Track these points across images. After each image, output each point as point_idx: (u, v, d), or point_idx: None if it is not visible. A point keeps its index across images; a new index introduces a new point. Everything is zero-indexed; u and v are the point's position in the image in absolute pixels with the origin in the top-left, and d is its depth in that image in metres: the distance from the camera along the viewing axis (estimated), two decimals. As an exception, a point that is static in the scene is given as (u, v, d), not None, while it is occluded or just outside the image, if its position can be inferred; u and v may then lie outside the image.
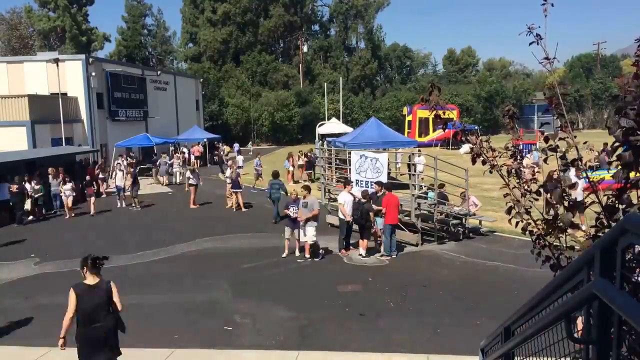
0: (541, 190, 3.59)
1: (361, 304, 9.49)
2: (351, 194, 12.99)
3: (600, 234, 3.08)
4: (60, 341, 5.77)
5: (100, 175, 24.11)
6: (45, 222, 18.30)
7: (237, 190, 18.96)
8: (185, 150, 33.57)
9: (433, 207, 13.65)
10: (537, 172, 4.26)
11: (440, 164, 13.88)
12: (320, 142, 32.39)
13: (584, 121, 61.70)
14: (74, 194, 18.87)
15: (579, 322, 2.28)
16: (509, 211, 3.74)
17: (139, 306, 9.63)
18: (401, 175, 22.14)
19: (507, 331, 3.50)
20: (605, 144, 20.61)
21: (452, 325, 8.41)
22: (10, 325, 8.94)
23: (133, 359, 7.58)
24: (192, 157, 33.13)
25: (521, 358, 3.11)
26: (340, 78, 53.78)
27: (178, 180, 27.18)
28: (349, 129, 34.02)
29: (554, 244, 3.52)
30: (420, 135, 43.06)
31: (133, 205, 20.13)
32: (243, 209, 18.85)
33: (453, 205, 14.34)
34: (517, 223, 3.71)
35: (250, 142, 49.68)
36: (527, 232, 3.67)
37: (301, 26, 66.19)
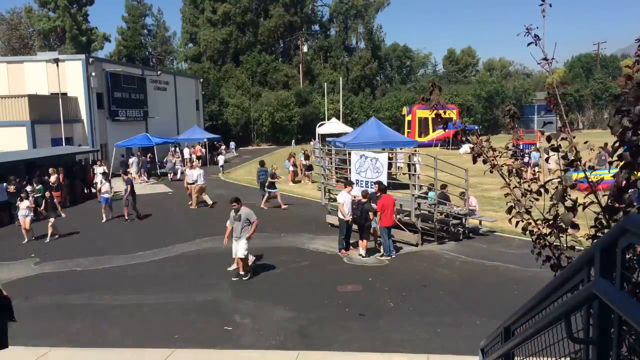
0: (542, 190, 3.60)
1: (361, 304, 9.49)
2: (350, 194, 12.99)
3: (600, 234, 3.08)
4: None
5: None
6: (45, 222, 18.27)
7: (271, 190, 19.28)
8: (186, 150, 33.63)
9: (433, 207, 13.64)
10: (538, 172, 4.26)
11: (440, 164, 13.88)
12: (314, 142, 32.52)
13: (584, 121, 61.71)
14: (32, 214, 15.76)
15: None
16: (509, 211, 3.74)
17: (138, 306, 9.64)
18: (403, 174, 22.16)
19: (507, 331, 3.50)
20: (606, 144, 20.62)
21: (452, 325, 8.41)
22: (10, 325, 8.93)
23: (133, 359, 7.59)
24: (194, 157, 33.16)
25: (521, 358, 3.10)
26: (340, 78, 53.79)
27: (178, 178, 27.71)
28: (349, 129, 34.05)
29: (554, 244, 3.52)
30: (420, 135, 43.06)
31: (127, 218, 17.68)
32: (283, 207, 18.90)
33: (453, 205, 14.34)
34: (517, 223, 3.71)
35: (233, 146, 44.63)
36: (527, 232, 3.67)
37: (301, 26, 66.20)
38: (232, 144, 39.45)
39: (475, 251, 12.80)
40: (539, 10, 3.81)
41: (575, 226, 3.28)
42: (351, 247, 13.04)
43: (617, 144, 2.94)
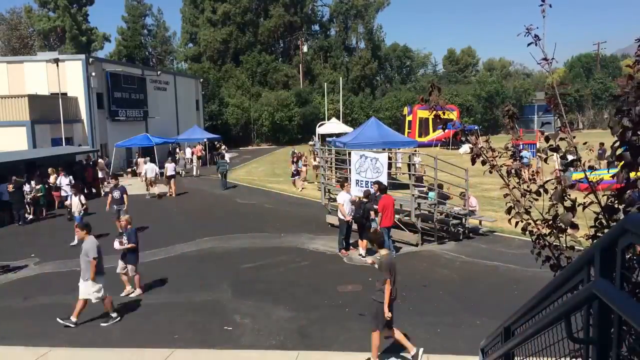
0: (541, 190, 3.60)
1: (361, 304, 9.47)
2: (349, 193, 13.01)
3: (599, 234, 3.09)
4: None
5: (100, 175, 24.14)
6: (45, 222, 18.31)
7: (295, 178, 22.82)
8: (188, 150, 33.61)
9: (433, 207, 13.64)
10: (536, 172, 4.27)
11: (440, 164, 13.88)
12: (313, 142, 32.53)
13: (584, 121, 61.72)
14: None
15: None
16: (508, 211, 3.74)
17: (138, 306, 9.64)
18: (403, 174, 22.15)
19: (507, 331, 3.50)
20: (602, 144, 20.61)
21: (452, 325, 8.41)
22: (10, 325, 8.94)
23: (133, 359, 7.59)
24: (194, 157, 33.15)
25: (521, 358, 3.11)
26: (340, 78, 53.76)
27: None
28: (349, 129, 34.01)
29: (554, 244, 3.53)
30: (420, 135, 43.06)
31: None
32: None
33: (453, 205, 14.34)
34: (517, 223, 3.72)
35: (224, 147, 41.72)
36: (527, 232, 3.67)
37: (301, 26, 66.19)
38: (224, 149, 38.17)
39: (475, 251, 12.80)
40: (539, 11, 3.82)
41: (575, 226, 3.28)
42: (351, 247, 13.04)
43: (617, 144, 2.94)
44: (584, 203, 3.26)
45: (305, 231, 15.20)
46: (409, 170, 14.62)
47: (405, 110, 48.22)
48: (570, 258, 3.40)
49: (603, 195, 3.19)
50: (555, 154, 3.48)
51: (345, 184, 13.35)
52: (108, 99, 31.52)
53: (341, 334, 8.22)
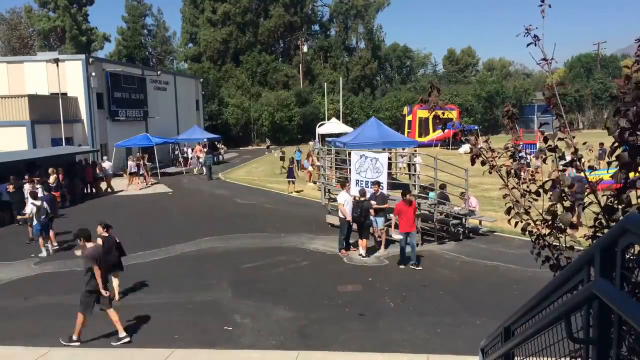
0: (540, 190, 3.60)
1: (361, 304, 9.49)
2: (349, 193, 13.00)
3: (599, 234, 3.09)
4: None
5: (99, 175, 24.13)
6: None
7: (290, 179, 22.63)
8: (189, 149, 33.68)
9: (433, 207, 13.65)
10: (537, 172, 4.28)
11: (440, 164, 13.88)
12: (313, 142, 32.56)
13: (584, 121, 61.73)
14: None
15: None
16: (508, 211, 3.75)
17: (138, 306, 9.63)
18: (404, 174, 22.16)
19: (507, 331, 3.51)
20: (602, 144, 20.61)
21: (452, 325, 8.41)
22: (10, 325, 8.94)
23: (133, 359, 7.59)
24: (195, 157, 33.17)
25: (521, 358, 3.11)
26: (340, 78, 53.77)
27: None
28: (349, 129, 34.02)
29: (554, 244, 3.53)
30: (420, 135, 43.09)
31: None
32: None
33: (453, 205, 14.34)
34: (516, 223, 3.72)
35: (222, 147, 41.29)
36: (527, 232, 3.68)
37: (301, 26, 66.19)
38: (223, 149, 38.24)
39: (475, 251, 12.80)
40: (538, 11, 3.82)
41: (574, 226, 3.29)
42: (351, 247, 13.04)
43: (616, 145, 2.94)
44: (584, 203, 3.26)
45: (305, 231, 15.20)
46: (409, 170, 14.61)
47: (405, 110, 48.25)
48: (569, 258, 3.40)
49: (603, 196, 3.20)
50: (554, 154, 3.48)
51: (346, 184, 13.34)
52: (108, 99, 31.52)
53: (341, 334, 8.22)
